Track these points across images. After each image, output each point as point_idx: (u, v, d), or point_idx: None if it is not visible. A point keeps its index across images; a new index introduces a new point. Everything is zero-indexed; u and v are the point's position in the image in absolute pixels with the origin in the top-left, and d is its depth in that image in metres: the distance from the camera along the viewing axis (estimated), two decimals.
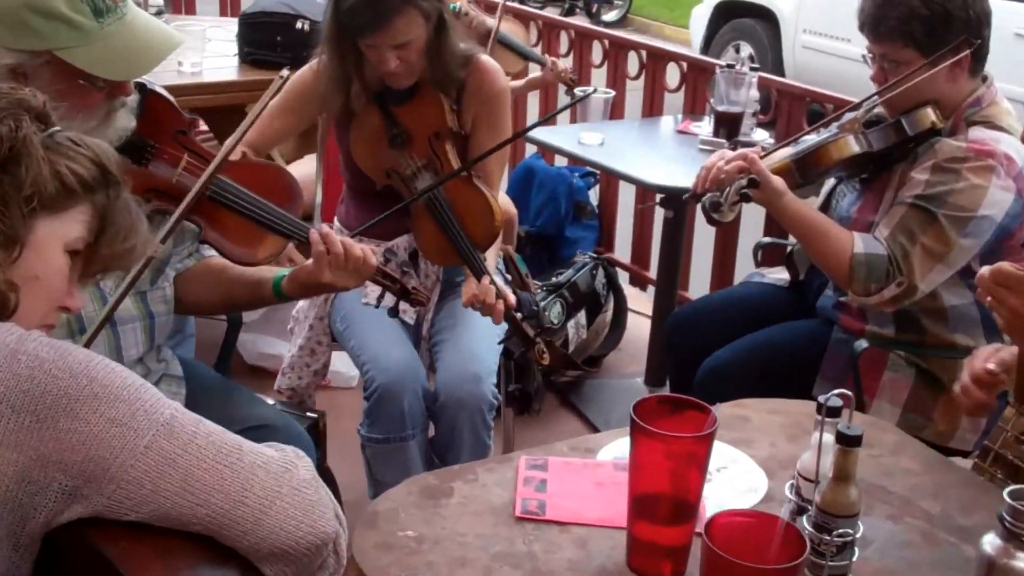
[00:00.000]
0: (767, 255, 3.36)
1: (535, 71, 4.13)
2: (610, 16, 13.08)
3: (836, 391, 1.50)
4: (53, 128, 1.41)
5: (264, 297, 2.29)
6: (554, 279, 3.95)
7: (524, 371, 3.09)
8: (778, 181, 2.50)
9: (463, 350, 2.69)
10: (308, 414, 2.75)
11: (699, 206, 2.64)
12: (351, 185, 2.89)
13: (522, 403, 3.21)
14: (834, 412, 1.51)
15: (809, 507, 1.53)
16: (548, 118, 2.75)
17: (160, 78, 3.91)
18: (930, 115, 2.50)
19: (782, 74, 7.96)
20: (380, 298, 2.36)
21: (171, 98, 2.23)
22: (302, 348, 2.88)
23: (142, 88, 2.15)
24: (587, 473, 1.77)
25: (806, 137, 2.73)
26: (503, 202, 3.98)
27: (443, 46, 2.64)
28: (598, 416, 3.67)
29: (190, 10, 6.05)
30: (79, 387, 1.24)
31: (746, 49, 8.54)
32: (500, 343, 2.67)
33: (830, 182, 2.78)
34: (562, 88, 4.15)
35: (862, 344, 2.54)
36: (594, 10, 13.03)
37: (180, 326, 3.61)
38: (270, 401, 2.74)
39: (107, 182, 1.42)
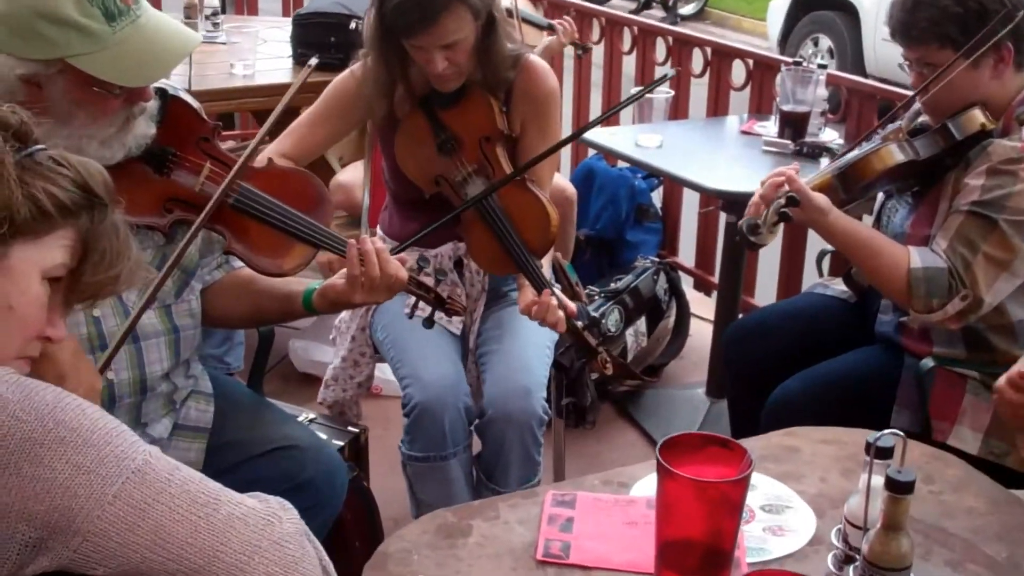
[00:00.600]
0: (832, 264, 3.20)
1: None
2: (687, 9, 12.84)
3: (887, 431, 1.36)
4: (34, 147, 1.32)
5: (294, 311, 2.20)
6: (612, 285, 3.82)
7: (576, 383, 2.97)
8: (820, 198, 2.35)
9: (511, 362, 2.57)
10: (349, 428, 2.68)
11: (737, 229, 2.49)
12: (396, 194, 2.79)
13: (576, 416, 3.09)
14: (885, 452, 1.36)
15: (856, 557, 1.39)
16: (606, 116, 2.61)
17: (212, 81, 3.91)
18: (979, 117, 2.34)
19: (862, 68, 7.72)
20: (414, 308, 2.26)
21: (194, 104, 2.14)
22: (344, 360, 2.79)
23: (163, 94, 2.07)
24: (618, 511, 1.65)
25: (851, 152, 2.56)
26: (563, 186, 3.87)
27: (493, 46, 2.53)
28: (656, 429, 3.53)
29: (252, 10, 6.00)
30: (45, 431, 1.15)
31: (825, 42, 8.31)
32: (560, 352, 2.55)
33: (880, 198, 2.61)
34: (625, 89, 4.02)
35: (927, 364, 2.37)
36: (671, 3, 12.81)
37: (228, 334, 3.56)
38: (310, 415, 2.68)
39: (91, 204, 1.33)
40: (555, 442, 3.06)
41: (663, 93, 3.38)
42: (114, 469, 1.16)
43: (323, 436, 2.60)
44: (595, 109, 4.92)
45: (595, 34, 4.76)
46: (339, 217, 3.73)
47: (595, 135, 3.48)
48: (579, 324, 2.47)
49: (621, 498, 1.68)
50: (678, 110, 4.14)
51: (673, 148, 3.35)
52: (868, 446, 1.36)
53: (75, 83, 1.84)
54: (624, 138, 3.44)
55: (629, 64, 4.64)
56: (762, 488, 1.68)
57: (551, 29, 4.10)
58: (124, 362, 2.04)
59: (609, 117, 2.69)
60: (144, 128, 1.98)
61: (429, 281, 2.23)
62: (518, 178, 2.49)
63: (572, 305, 2.45)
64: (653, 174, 3.96)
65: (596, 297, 3.73)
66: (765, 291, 4.16)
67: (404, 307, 2.28)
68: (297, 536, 1.25)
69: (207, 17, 4.40)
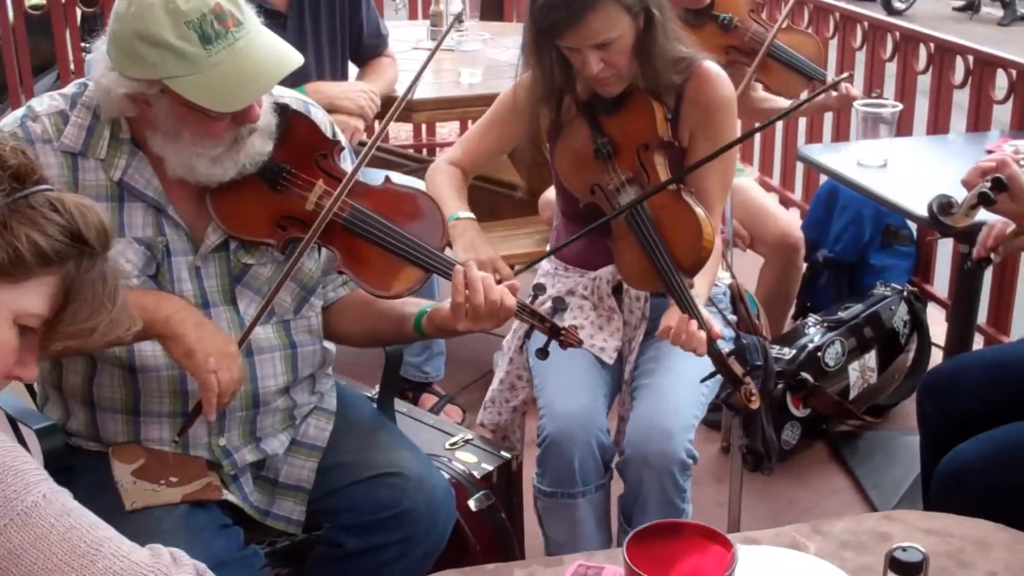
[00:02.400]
0: None
1: None
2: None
3: (909, 543, 1.11)
4: (33, 188, 1.30)
5: (406, 334, 2.13)
6: (838, 314, 3.52)
7: (750, 423, 2.73)
8: None
9: (658, 400, 2.39)
10: (501, 453, 2.58)
11: (927, 207, 2.19)
12: (562, 208, 2.67)
13: (754, 461, 2.85)
14: (906, 569, 1.12)
15: None
16: (767, 125, 2.39)
17: (434, 89, 3.91)
18: None
19: None
20: (526, 336, 2.13)
21: (316, 119, 2.11)
22: (502, 382, 2.68)
23: (283, 109, 2.04)
24: None
25: None
26: (788, 222, 3.61)
27: (653, 46, 2.37)
28: (869, 478, 3.22)
29: (508, 16, 5.97)
30: None
31: None
32: (703, 380, 2.35)
33: None
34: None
35: None
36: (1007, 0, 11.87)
37: (428, 343, 3.54)
38: (466, 436, 2.60)
39: (79, 252, 1.31)
40: (731, 487, 2.84)
41: (891, 107, 3.06)
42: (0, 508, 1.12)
43: (472, 459, 2.55)
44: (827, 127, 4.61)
45: (858, 39, 4.41)
46: (544, 231, 3.64)
47: (817, 152, 3.21)
48: (724, 349, 2.26)
49: None
50: (939, 125, 3.77)
51: (900, 168, 3.03)
52: (889, 559, 1.11)
53: (177, 103, 1.85)
54: (846, 156, 3.14)
55: (890, 71, 4.28)
56: None
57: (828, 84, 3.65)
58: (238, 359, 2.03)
59: (765, 128, 2.42)
60: (260, 146, 1.97)
61: (543, 310, 2.10)
62: (672, 187, 2.32)
63: (716, 327, 2.25)
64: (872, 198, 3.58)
65: (816, 327, 3.45)
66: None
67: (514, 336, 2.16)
68: None
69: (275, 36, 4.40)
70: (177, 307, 1.92)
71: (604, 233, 2.39)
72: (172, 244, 2.00)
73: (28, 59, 5.27)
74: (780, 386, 3.22)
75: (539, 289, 2.11)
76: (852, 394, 3.44)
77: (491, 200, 4.16)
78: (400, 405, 2.75)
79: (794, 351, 3.30)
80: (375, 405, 2.42)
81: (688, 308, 2.24)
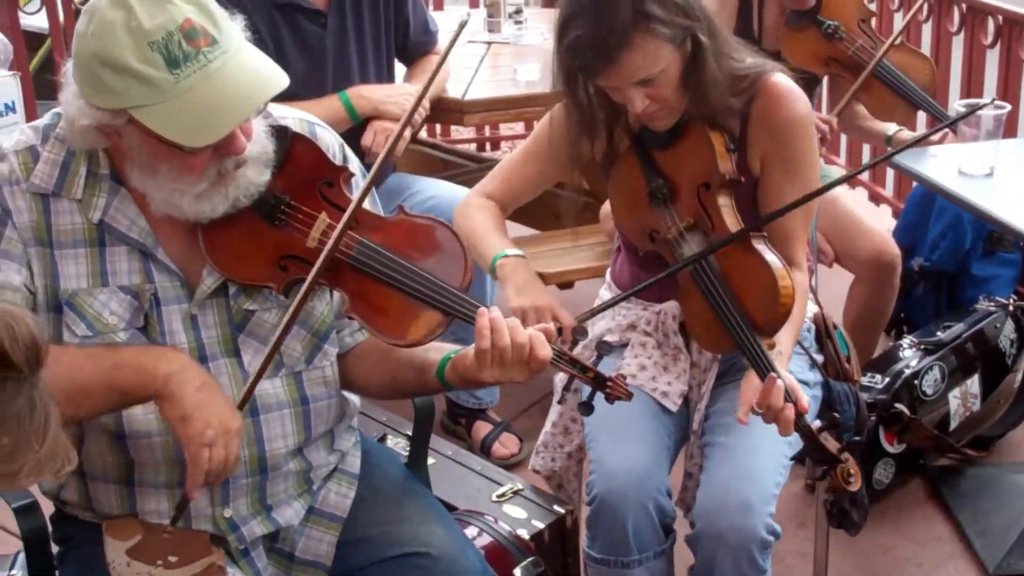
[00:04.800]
0: None
1: None
2: None
3: None
4: None
5: (428, 384, 1.85)
6: (937, 335, 3.16)
7: None
8: None
9: (734, 465, 2.08)
10: (555, 508, 2.30)
11: None
12: (622, 239, 2.37)
13: (840, 517, 2.52)
14: None
15: None
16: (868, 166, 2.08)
17: (493, 88, 3.61)
18: None
19: None
20: (567, 388, 1.85)
21: (322, 141, 1.84)
22: (555, 425, 2.39)
23: (283, 132, 1.77)
24: None
25: None
26: (883, 237, 3.25)
27: (702, 73, 2.05)
28: (973, 524, 2.87)
29: None
30: None
31: None
32: (792, 459, 2.04)
33: None
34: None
35: None
36: None
37: None
38: (516, 486, 2.33)
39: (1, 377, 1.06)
40: (816, 535, 2.53)
41: (994, 109, 2.69)
42: None
43: (522, 514, 2.28)
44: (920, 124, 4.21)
45: (955, 22, 4.02)
46: (608, 244, 3.34)
47: (911, 158, 2.84)
48: (814, 424, 1.95)
49: None
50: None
51: (1005, 177, 2.67)
52: None
53: (147, 136, 1.59)
54: (945, 162, 2.78)
55: (992, 59, 3.88)
56: None
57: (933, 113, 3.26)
58: (240, 438, 1.77)
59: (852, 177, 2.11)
60: (254, 176, 1.70)
61: (585, 357, 1.81)
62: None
63: (804, 399, 1.93)
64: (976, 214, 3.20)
65: (912, 349, 3.10)
66: None
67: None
68: None
69: (510, 15, 4.11)
70: (180, 366, 1.67)
71: (669, 285, 2.10)
72: (163, 291, 1.74)
73: None
74: (872, 419, 2.88)
75: (580, 333, 1.83)
76: (952, 424, 3.09)
77: (552, 203, 3.85)
78: (445, 447, 2.50)
79: (887, 379, 2.96)
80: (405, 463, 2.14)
81: (765, 375, 1.93)
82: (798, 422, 1.92)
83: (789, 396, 1.91)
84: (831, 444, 1.96)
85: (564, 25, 2.03)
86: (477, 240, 2.25)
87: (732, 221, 2.05)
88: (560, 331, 2.05)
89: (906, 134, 3.35)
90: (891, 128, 3.34)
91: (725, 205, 2.06)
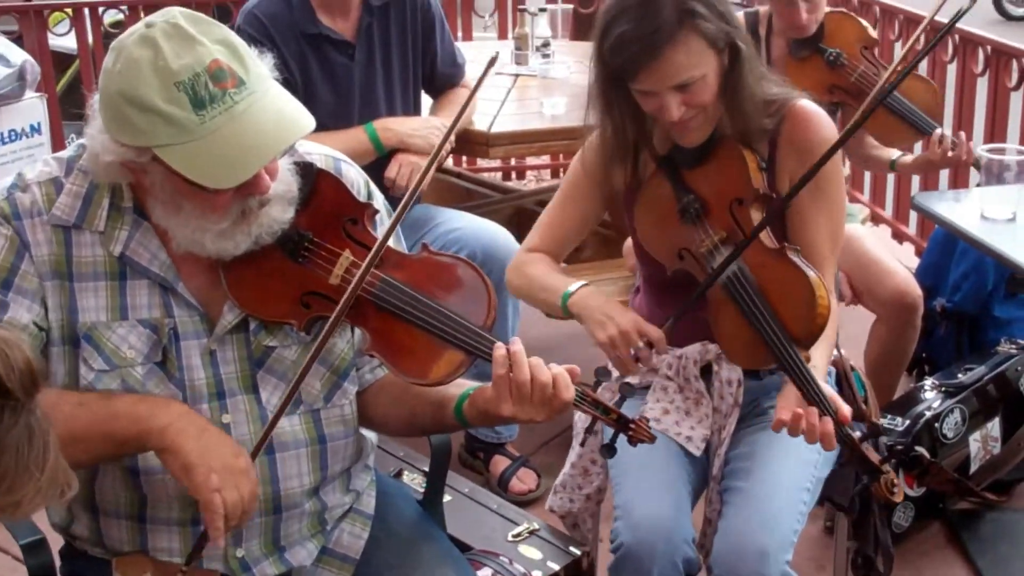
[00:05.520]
0: None
1: None
2: None
3: None
4: None
5: (446, 421, 1.84)
6: (959, 377, 3.13)
7: (861, 522, 2.39)
8: None
9: (753, 509, 2.06)
10: (571, 549, 2.28)
11: None
12: (643, 273, 2.36)
13: (865, 567, 2.50)
14: None
15: None
16: None
17: (519, 121, 3.60)
18: None
19: None
20: (589, 430, 1.85)
21: (347, 178, 1.84)
22: (574, 466, 2.37)
23: (308, 169, 1.77)
24: None
25: None
26: (905, 278, 3.23)
27: (739, 83, 2.07)
28: (992, 566, 2.85)
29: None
30: None
31: None
32: (839, 465, 2.02)
33: None
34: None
35: None
36: None
37: None
38: (532, 525, 2.31)
39: None
40: None
41: (1015, 153, 2.68)
42: None
43: (537, 555, 2.25)
44: None
45: (949, 51, 4.03)
46: (630, 278, 3.33)
47: (934, 200, 2.85)
48: (855, 434, 1.94)
49: None
50: None
51: None
52: None
53: (171, 174, 1.59)
54: (968, 206, 2.77)
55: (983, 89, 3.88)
56: None
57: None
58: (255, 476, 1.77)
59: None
60: (278, 214, 1.70)
61: (606, 398, 1.80)
62: (776, 246, 2.01)
63: (846, 408, 1.93)
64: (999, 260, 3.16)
65: (932, 391, 3.07)
66: None
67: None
68: None
69: (538, 48, 4.12)
70: (176, 415, 1.66)
71: (698, 306, 2.08)
72: (182, 326, 1.74)
73: None
74: (892, 462, 2.85)
75: (602, 374, 1.81)
76: (972, 468, 3.06)
77: None
78: (462, 484, 2.48)
79: (908, 422, 2.93)
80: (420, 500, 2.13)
81: (807, 387, 1.93)
82: (840, 432, 1.91)
83: (827, 408, 1.90)
84: (872, 455, 1.95)
85: (608, 24, 2.04)
86: (538, 290, 2.27)
87: (764, 236, 2.05)
88: (651, 345, 2.06)
89: (908, 159, 3.35)
90: (895, 153, 3.34)
91: (758, 219, 2.06)
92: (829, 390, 1.97)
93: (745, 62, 2.06)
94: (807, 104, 2.15)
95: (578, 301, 2.17)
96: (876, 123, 3.13)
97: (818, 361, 2.04)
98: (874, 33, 3.38)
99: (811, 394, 1.93)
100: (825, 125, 2.15)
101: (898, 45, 4.42)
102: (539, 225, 2.37)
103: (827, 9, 3.23)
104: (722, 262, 2.01)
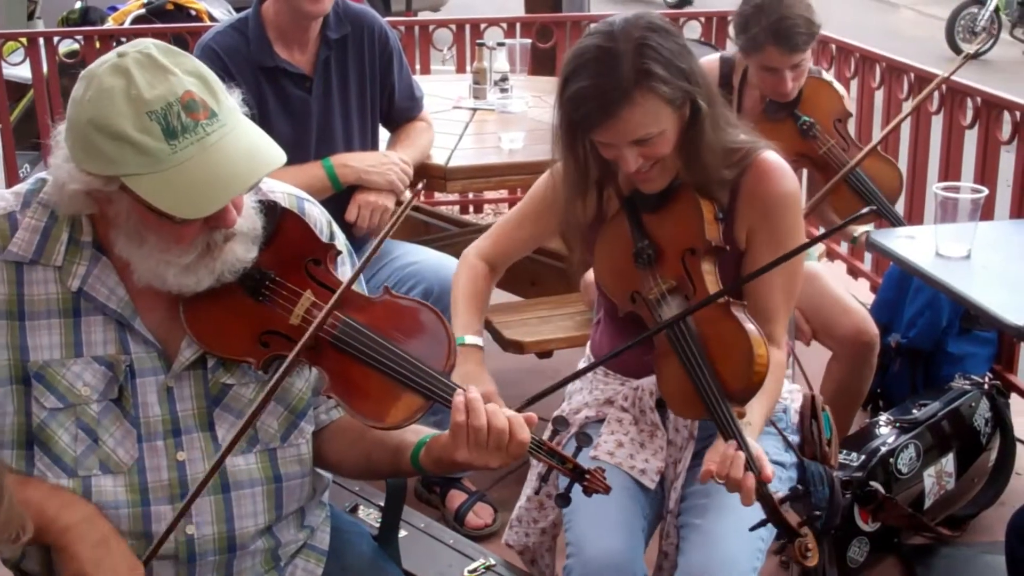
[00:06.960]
0: None
1: None
2: None
3: None
4: None
5: (402, 468, 1.83)
6: (914, 412, 3.16)
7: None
8: None
9: (711, 547, 2.05)
10: None
11: None
12: (604, 307, 2.37)
13: None
14: None
15: None
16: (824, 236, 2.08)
17: (477, 156, 3.60)
18: None
19: None
20: (544, 478, 1.84)
21: (311, 218, 1.83)
22: (529, 500, 2.37)
23: (272, 208, 1.76)
24: None
25: None
26: (862, 317, 3.26)
27: (699, 140, 2.08)
28: None
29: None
30: None
31: None
32: (751, 529, 2.03)
33: None
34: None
35: None
36: None
37: None
38: (489, 561, 2.28)
39: None
40: None
41: (970, 191, 2.71)
42: None
43: None
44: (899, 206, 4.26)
45: (904, 89, 4.10)
46: (586, 313, 3.34)
47: (888, 237, 2.87)
48: (776, 494, 1.94)
49: None
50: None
51: (984, 261, 2.69)
52: None
53: (138, 204, 1.58)
54: (923, 244, 2.80)
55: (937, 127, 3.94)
56: None
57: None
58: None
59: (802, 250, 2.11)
60: (241, 252, 1.69)
61: (564, 448, 1.80)
62: (721, 300, 2.00)
63: (768, 468, 1.93)
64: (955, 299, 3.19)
65: (887, 427, 3.10)
66: None
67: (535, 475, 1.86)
68: None
69: (496, 83, 4.13)
70: (80, 517, 1.65)
71: (646, 348, 2.09)
72: (139, 363, 1.72)
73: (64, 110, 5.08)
74: (847, 496, 2.87)
75: (560, 423, 1.81)
76: (927, 503, 3.09)
77: (532, 269, 3.85)
78: (418, 519, 2.46)
79: (863, 457, 2.96)
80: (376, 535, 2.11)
81: (737, 441, 1.92)
82: (760, 490, 1.91)
83: (752, 465, 1.90)
84: (792, 517, 1.94)
85: (568, 77, 2.05)
86: (453, 311, 2.30)
87: (714, 288, 2.06)
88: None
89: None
90: (858, 230, 3.31)
91: (708, 271, 2.08)
92: (757, 448, 1.95)
93: (705, 118, 2.06)
94: (771, 156, 2.16)
95: (461, 353, 2.09)
96: (839, 199, 3.17)
97: (754, 417, 2.03)
98: (850, 105, 3.40)
99: (739, 448, 1.92)
100: (787, 178, 2.16)
101: (879, 93, 4.47)
102: (496, 234, 2.41)
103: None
104: (669, 319, 2.02)
